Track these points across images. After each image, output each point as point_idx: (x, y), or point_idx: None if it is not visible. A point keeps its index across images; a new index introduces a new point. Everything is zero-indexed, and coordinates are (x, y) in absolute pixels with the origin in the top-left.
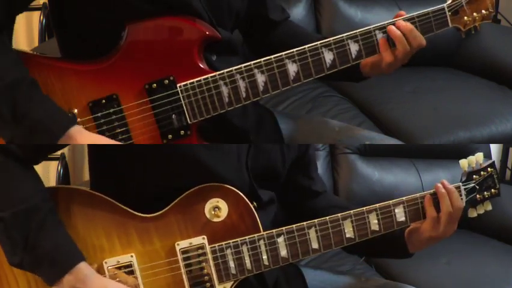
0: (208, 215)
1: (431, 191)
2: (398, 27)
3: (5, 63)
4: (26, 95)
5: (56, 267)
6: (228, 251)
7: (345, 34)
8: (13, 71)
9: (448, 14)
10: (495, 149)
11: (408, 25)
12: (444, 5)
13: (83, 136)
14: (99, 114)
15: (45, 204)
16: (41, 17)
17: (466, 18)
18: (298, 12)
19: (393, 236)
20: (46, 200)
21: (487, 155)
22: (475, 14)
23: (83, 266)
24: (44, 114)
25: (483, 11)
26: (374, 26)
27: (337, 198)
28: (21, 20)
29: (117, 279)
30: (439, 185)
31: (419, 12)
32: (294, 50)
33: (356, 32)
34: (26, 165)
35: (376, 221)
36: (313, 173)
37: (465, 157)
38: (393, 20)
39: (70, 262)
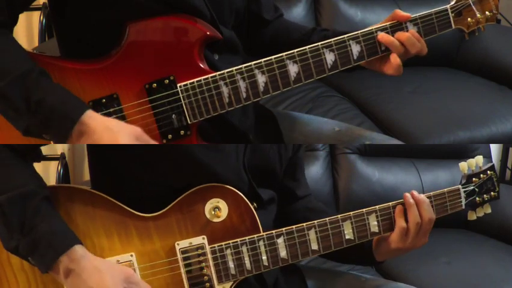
0: (208, 215)
1: (401, 200)
2: (398, 39)
3: (13, 57)
4: (38, 84)
5: (51, 249)
6: (228, 252)
7: (347, 35)
8: (22, 62)
9: (451, 15)
10: (495, 149)
11: (410, 39)
12: (448, 6)
13: (98, 120)
14: (99, 114)
15: (41, 190)
16: (41, 17)
17: (469, 19)
18: (298, 12)
19: (362, 244)
20: (42, 187)
21: (487, 155)
22: (478, 15)
23: (78, 248)
24: (58, 100)
25: (487, 13)
26: (376, 27)
27: (316, 202)
28: (21, 20)
29: None
30: (407, 194)
31: (421, 13)
32: (295, 50)
33: (357, 33)
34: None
35: (376, 223)
36: (299, 176)
37: (465, 157)
38: (397, 22)
39: (66, 244)
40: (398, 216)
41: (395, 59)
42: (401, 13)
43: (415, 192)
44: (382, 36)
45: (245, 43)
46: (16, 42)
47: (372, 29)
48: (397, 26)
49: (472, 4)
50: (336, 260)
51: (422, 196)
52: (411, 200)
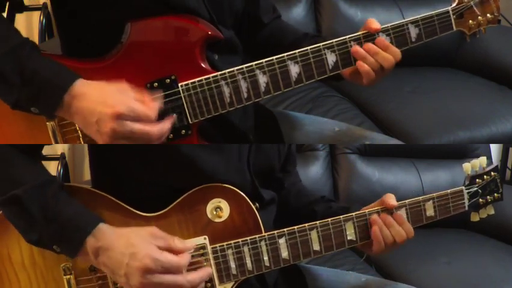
0: (209, 215)
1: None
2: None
3: (3, 32)
4: (30, 57)
5: (78, 231)
6: (229, 252)
7: (348, 36)
8: (13, 37)
9: (453, 17)
10: (495, 149)
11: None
12: (449, 8)
13: (89, 86)
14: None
15: (55, 178)
16: (41, 17)
17: (470, 21)
18: (298, 12)
19: None
20: (55, 177)
21: (487, 155)
22: (480, 17)
23: (102, 226)
24: (50, 72)
25: (488, 15)
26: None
27: (304, 190)
28: (21, 20)
29: None
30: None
31: (423, 15)
32: (297, 51)
33: (358, 34)
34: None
35: None
36: (290, 167)
37: (465, 157)
38: (399, 22)
39: (91, 224)
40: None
41: (361, 66)
42: (372, 24)
43: (385, 215)
44: (356, 49)
45: (243, 44)
46: (4, 18)
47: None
48: (399, 27)
49: (473, 6)
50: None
51: (390, 219)
52: (380, 221)
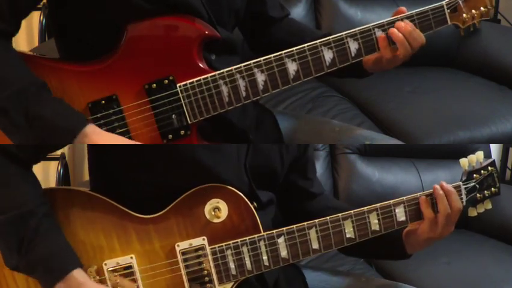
0: (208, 216)
1: (428, 191)
2: (398, 29)
3: (14, 70)
4: (37, 98)
5: (49, 274)
6: (228, 252)
7: (345, 32)
8: (23, 76)
9: (447, 11)
10: (495, 149)
11: (408, 27)
12: (443, 2)
13: (99, 135)
14: (99, 115)
15: (40, 208)
16: (41, 17)
17: (464, 15)
18: (298, 12)
19: (391, 237)
20: (42, 204)
21: (487, 155)
22: (473, 11)
23: (76, 274)
24: (56, 116)
25: (481, 8)
26: (373, 24)
27: (335, 200)
28: None
29: (117, 281)
30: (437, 186)
31: (417, 10)
32: (294, 48)
33: (355, 30)
34: (24, 167)
35: (376, 221)
36: (311, 175)
37: (465, 157)
38: (393, 18)
39: (63, 270)
40: (424, 207)
41: (385, 50)
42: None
43: (444, 183)
44: (393, 31)
45: (252, 42)
46: (16, 54)
47: (369, 26)
48: (393, 23)
49: (463, 0)
50: (367, 256)
51: (451, 187)
52: (441, 192)
